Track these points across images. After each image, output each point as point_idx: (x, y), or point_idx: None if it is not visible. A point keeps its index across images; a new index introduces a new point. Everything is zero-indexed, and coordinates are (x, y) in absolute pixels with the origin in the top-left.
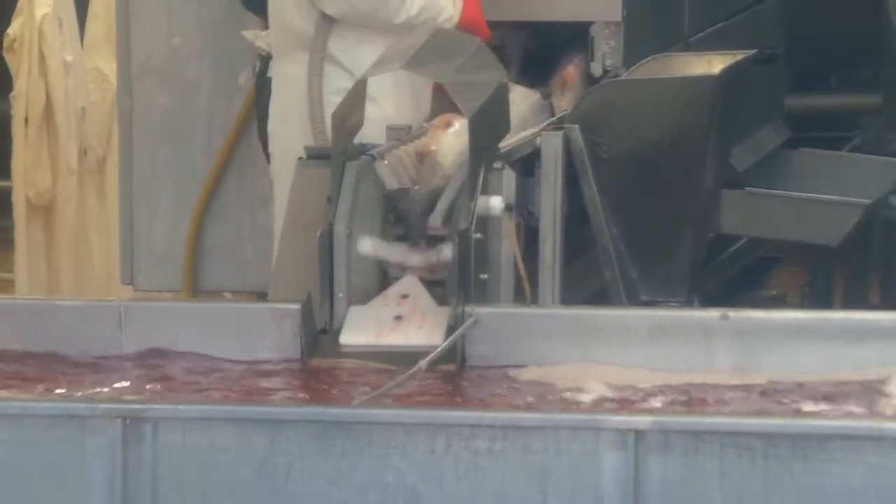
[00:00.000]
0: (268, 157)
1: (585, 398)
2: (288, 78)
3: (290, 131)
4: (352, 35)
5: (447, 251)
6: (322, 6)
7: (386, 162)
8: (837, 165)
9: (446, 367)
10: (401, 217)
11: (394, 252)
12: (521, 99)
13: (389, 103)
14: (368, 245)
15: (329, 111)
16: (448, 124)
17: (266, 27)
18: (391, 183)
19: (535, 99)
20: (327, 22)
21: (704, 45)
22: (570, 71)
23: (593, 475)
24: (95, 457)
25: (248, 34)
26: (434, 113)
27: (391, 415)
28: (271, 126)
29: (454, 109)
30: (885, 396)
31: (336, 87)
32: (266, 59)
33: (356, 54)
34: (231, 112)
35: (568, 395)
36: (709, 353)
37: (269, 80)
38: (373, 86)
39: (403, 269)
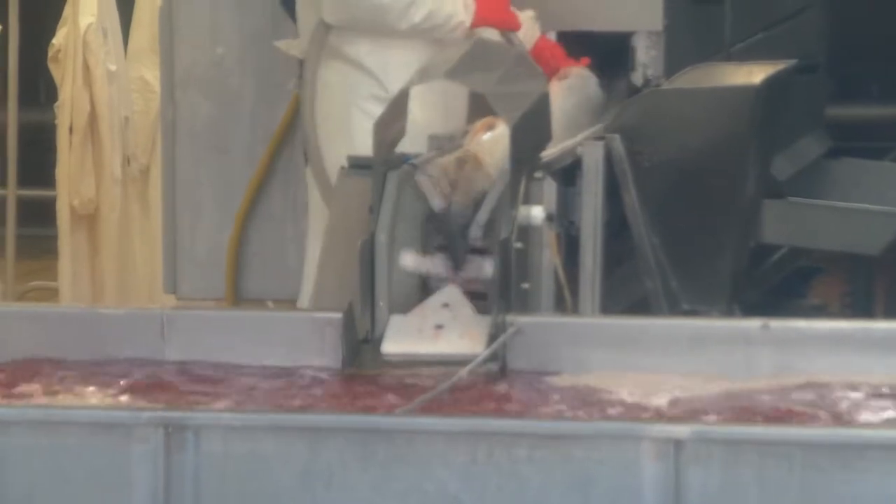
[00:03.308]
0: (307, 160)
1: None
2: (320, 85)
3: (328, 139)
4: (378, 40)
5: (488, 267)
6: (323, 15)
7: (427, 173)
8: (879, 175)
9: (488, 374)
10: (442, 231)
11: (435, 265)
12: None
13: (416, 110)
14: (410, 260)
15: (359, 118)
16: (490, 126)
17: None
18: (432, 196)
19: None
20: (323, 29)
21: (745, 55)
22: None
23: (634, 484)
24: (139, 465)
25: (281, 44)
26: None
27: (432, 423)
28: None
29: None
30: None
31: (364, 94)
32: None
33: (383, 59)
34: (274, 120)
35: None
36: (750, 363)
37: None
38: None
39: (445, 281)
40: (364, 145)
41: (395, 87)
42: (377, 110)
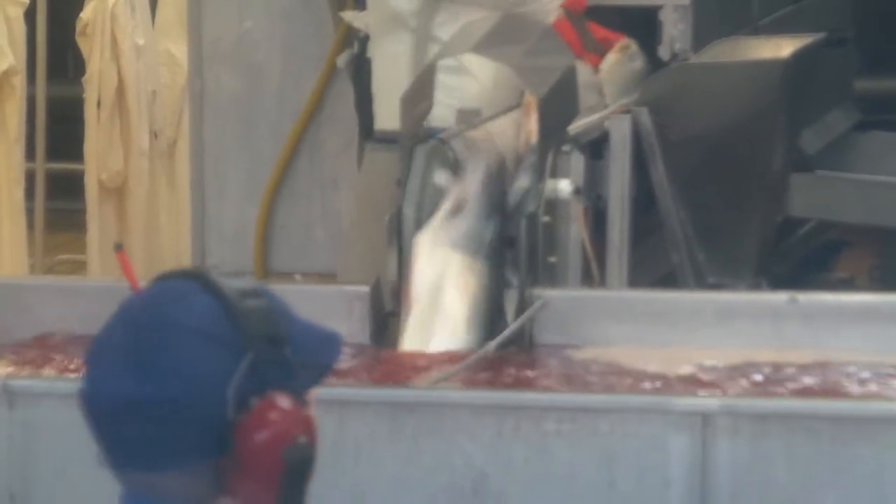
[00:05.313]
0: (364, 135)
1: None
2: (389, 58)
3: (394, 110)
4: (449, 12)
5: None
6: None
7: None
8: None
9: (515, 348)
10: None
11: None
12: None
13: (488, 76)
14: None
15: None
16: None
17: (336, 10)
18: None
19: None
20: (432, 4)
21: (773, 29)
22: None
23: (661, 458)
24: None
25: (347, 15)
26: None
27: (460, 397)
28: (375, 106)
29: None
30: None
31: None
32: (364, 41)
33: (451, 30)
34: (301, 95)
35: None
36: (777, 336)
37: (369, 60)
38: (471, 60)
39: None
40: (438, 115)
41: (465, 56)
42: (447, 79)
